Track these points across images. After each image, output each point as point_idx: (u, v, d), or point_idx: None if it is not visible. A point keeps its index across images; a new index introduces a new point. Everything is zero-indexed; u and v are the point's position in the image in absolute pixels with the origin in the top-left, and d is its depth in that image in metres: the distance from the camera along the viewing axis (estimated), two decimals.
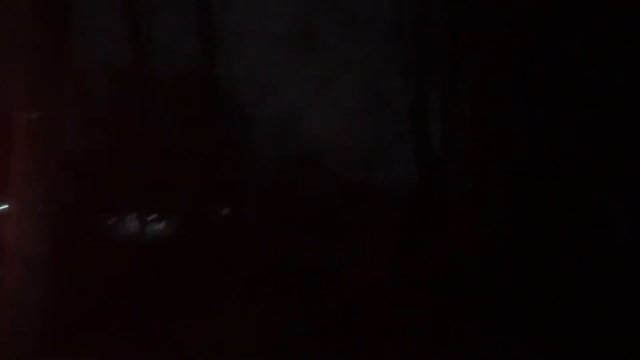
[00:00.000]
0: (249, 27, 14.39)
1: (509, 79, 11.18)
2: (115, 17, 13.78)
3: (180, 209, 17.54)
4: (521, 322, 8.12)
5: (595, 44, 10.37)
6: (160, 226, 22.46)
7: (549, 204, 10.58)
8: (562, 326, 7.84)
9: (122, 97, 15.03)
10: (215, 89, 15.36)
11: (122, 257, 13.31)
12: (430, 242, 11.79)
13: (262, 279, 11.60)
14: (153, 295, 9.80)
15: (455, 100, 12.27)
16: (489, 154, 11.61)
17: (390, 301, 9.40)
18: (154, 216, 19.49)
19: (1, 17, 9.03)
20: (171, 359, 6.87)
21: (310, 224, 14.87)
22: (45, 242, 6.43)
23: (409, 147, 13.03)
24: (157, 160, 15.58)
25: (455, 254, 11.28)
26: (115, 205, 16.38)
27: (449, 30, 12.46)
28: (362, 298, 9.69)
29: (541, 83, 10.80)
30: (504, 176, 11.20)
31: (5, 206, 6.83)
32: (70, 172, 9.51)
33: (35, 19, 6.45)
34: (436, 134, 12.78)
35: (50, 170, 6.47)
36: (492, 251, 10.80)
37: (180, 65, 15.55)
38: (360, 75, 13.22)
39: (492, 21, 11.23)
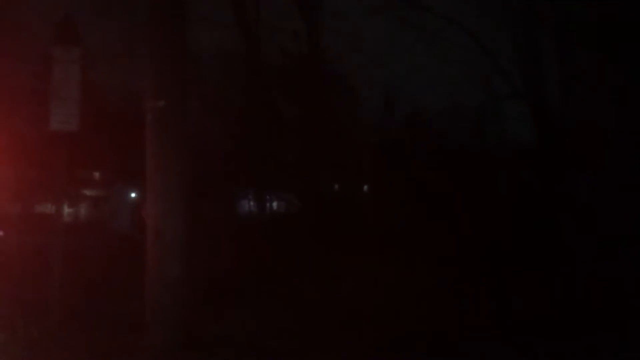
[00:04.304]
0: None
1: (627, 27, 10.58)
2: (221, 2, 14.18)
3: (297, 188, 18.04)
4: None
5: None
6: (278, 205, 23.14)
7: None
8: None
9: (235, 80, 15.57)
10: (322, 63, 15.56)
11: (248, 233, 13.98)
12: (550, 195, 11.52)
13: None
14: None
15: (569, 50, 11.74)
16: (604, 106, 11.10)
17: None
18: (271, 196, 20.12)
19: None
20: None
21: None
22: (180, 221, 6.86)
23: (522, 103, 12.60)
24: (273, 141, 16.09)
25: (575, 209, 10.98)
26: (237, 186, 17.10)
27: None
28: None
29: None
30: (624, 127, 10.69)
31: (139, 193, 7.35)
32: (196, 156, 10.06)
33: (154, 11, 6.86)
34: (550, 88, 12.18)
35: (178, 155, 6.86)
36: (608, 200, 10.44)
37: (287, 43, 15.90)
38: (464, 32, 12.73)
39: None
